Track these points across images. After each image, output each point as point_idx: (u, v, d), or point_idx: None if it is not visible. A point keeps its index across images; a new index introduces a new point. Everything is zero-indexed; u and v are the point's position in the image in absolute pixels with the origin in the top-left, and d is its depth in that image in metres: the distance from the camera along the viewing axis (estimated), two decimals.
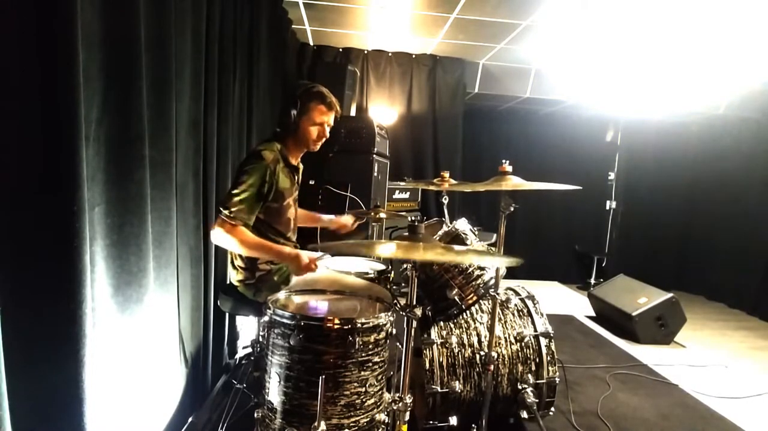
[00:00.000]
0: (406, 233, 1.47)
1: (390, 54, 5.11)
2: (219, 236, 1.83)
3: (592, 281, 6.09)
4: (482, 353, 2.12)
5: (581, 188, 1.94)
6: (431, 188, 2.55)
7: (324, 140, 2.10)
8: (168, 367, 1.89)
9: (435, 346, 2.13)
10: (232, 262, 2.08)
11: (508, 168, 1.93)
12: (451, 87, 5.26)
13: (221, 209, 1.85)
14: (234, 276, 2.09)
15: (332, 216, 2.55)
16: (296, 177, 2.17)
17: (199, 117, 2.09)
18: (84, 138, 1.13)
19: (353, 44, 4.96)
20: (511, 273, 5.29)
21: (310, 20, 4.30)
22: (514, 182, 1.88)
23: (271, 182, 1.93)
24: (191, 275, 2.13)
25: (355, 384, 1.41)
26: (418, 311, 1.47)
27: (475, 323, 2.22)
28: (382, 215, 2.64)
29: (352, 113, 4.64)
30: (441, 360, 2.12)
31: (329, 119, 2.06)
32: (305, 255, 1.86)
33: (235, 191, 1.86)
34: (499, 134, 6.35)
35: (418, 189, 5.06)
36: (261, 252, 1.91)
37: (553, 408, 2.27)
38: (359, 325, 1.40)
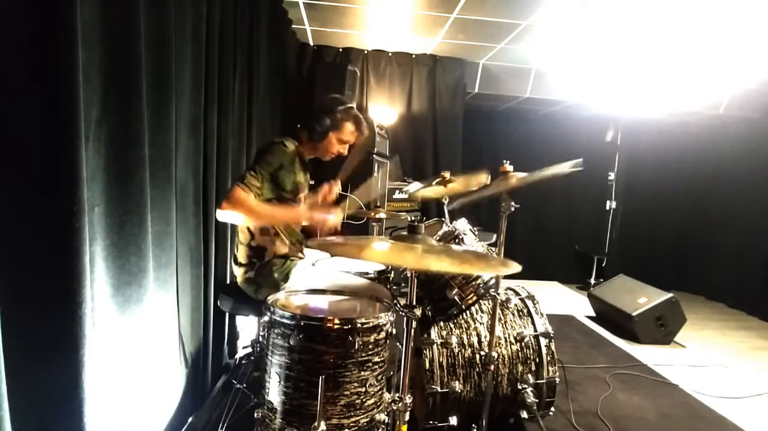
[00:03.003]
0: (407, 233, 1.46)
1: (390, 54, 5.11)
2: (228, 209, 1.76)
3: (592, 281, 6.09)
4: (482, 353, 2.12)
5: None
6: (432, 195, 2.56)
7: (337, 156, 2.20)
8: (168, 367, 1.89)
9: (435, 346, 2.12)
10: (235, 257, 2.10)
11: (509, 168, 1.93)
12: (451, 87, 5.26)
13: (237, 179, 1.86)
14: (236, 271, 2.11)
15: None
16: (307, 175, 2.22)
17: (199, 117, 2.09)
18: (84, 138, 1.12)
19: (353, 44, 4.96)
20: (511, 273, 5.29)
21: (310, 20, 4.30)
22: (518, 177, 1.89)
23: (290, 170, 1.98)
24: (191, 275, 2.13)
25: (355, 384, 1.41)
26: (418, 312, 1.46)
27: (475, 323, 2.22)
28: (382, 215, 2.64)
29: None
30: (441, 360, 2.12)
31: (353, 141, 2.17)
32: (322, 190, 1.88)
33: (253, 167, 1.90)
34: (499, 134, 6.35)
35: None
36: (273, 217, 1.91)
37: (553, 408, 2.27)
38: (359, 325, 1.40)
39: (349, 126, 2.10)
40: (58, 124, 1.06)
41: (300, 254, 2.20)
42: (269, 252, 2.06)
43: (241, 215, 1.80)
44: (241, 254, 2.06)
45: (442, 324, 2.20)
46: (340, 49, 5.02)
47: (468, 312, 2.26)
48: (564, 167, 1.89)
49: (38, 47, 1.03)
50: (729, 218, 5.79)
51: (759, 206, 5.36)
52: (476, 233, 2.32)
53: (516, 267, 1.25)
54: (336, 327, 1.39)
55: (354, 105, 2.17)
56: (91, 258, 1.23)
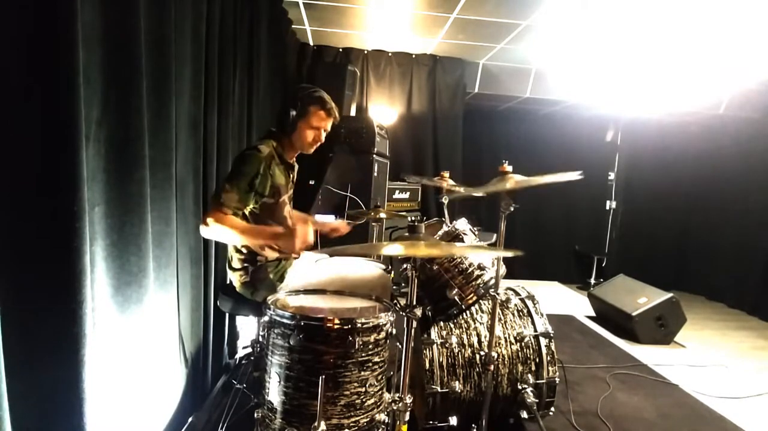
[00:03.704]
0: (406, 233, 1.47)
1: (390, 54, 5.11)
2: (210, 228, 1.79)
3: (592, 281, 6.10)
4: (482, 353, 2.12)
5: (582, 182, 1.92)
6: (431, 183, 2.52)
7: (318, 144, 2.13)
8: (168, 367, 1.89)
9: (435, 346, 2.13)
10: (230, 262, 2.09)
11: (508, 168, 1.93)
12: (451, 87, 5.26)
13: (214, 196, 1.85)
14: (232, 276, 2.10)
15: (325, 219, 2.54)
16: (291, 175, 2.18)
17: (199, 117, 2.09)
18: (84, 138, 1.13)
19: (353, 44, 4.96)
20: (511, 273, 5.30)
21: (310, 20, 4.30)
22: (516, 180, 1.88)
23: (265, 175, 1.94)
24: (191, 275, 2.13)
25: (355, 384, 1.41)
26: (418, 312, 1.47)
27: (475, 323, 2.22)
28: (382, 215, 2.64)
29: (352, 113, 4.64)
30: (441, 360, 2.12)
31: (326, 124, 2.09)
32: (300, 230, 1.82)
33: (228, 180, 1.87)
34: (499, 134, 6.35)
35: (418, 189, 5.06)
36: (253, 236, 1.89)
37: (553, 408, 2.27)
38: (359, 325, 1.40)
39: (313, 110, 2.03)
40: (58, 124, 1.06)
41: (294, 255, 2.18)
42: (261, 256, 2.05)
43: (221, 236, 1.85)
44: (235, 259, 2.06)
45: (442, 324, 2.20)
46: (340, 49, 5.02)
47: (468, 312, 2.26)
48: (563, 177, 1.88)
49: (38, 47, 1.03)
50: (729, 218, 5.79)
51: (759, 205, 5.36)
52: (476, 233, 2.32)
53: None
54: (336, 327, 1.39)
55: (318, 89, 2.07)
56: (92, 258, 1.23)
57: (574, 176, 1.83)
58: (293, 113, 2.02)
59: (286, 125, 2.04)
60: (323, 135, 2.11)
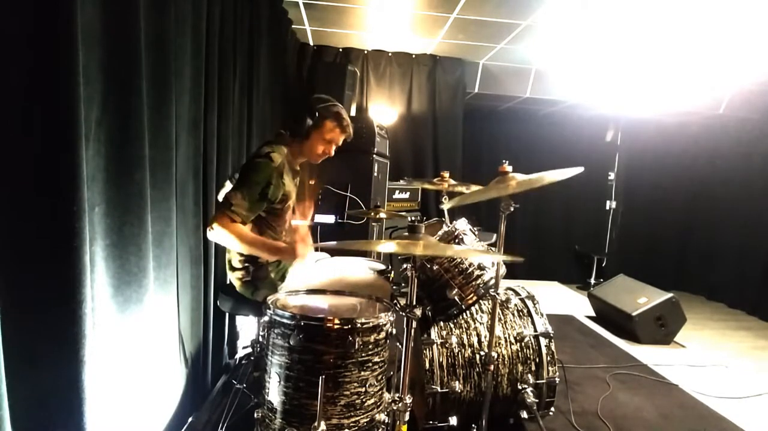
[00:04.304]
0: (406, 233, 1.47)
1: (390, 54, 5.11)
2: (217, 233, 1.82)
3: (592, 281, 6.09)
4: (482, 353, 2.12)
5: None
6: (431, 187, 2.52)
7: (326, 157, 2.15)
8: (168, 367, 1.89)
9: (435, 346, 2.13)
10: (230, 262, 2.09)
11: (508, 168, 1.93)
12: (451, 87, 5.26)
13: (224, 204, 1.85)
14: (232, 276, 2.10)
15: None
16: (296, 180, 2.19)
17: (199, 117, 2.09)
18: (84, 138, 1.13)
19: (353, 44, 4.96)
20: (511, 273, 5.30)
21: (310, 20, 4.30)
22: (518, 180, 1.87)
23: (277, 184, 1.95)
24: (191, 275, 2.13)
25: (355, 384, 1.41)
26: (418, 312, 1.47)
27: (475, 323, 2.22)
28: (382, 215, 2.64)
29: (352, 113, 4.64)
30: (441, 360, 2.12)
31: (339, 140, 2.12)
32: (300, 246, 1.85)
33: (239, 188, 1.87)
34: (499, 134, 6.35)
35: (418, 189, 5.06)
36: (257, 248, 1.89)
37: (553, 408, 2.27)
38: (359, 325, 1.40)
39: (329, 124, 2.05)
40: (58, 124, 1.06)
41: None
42: (262, 257, 2.05)
43: (225, 242, 1.85)
44: (235, 260, 2.06)
45: (442, 324, 2.20)
46: (340, 49, 5.02)
47: (468, 312, 2.26)
48: (564, 173, 1.87)
49: (38, 47, 1.03)
50: (729, 217, 5.79)
51: (759, 205, 5.36)
52: (476, 233, 2.32)
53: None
54: (336, 327, 1.39)
55: (337, 104, 2.10)
56: (91, 258, 1.23)
57: (575, 171, 1.82)
58: (309, 122, 2.03)
59: (300, 133, 2.05)
60: (333, 149, 2.13)
